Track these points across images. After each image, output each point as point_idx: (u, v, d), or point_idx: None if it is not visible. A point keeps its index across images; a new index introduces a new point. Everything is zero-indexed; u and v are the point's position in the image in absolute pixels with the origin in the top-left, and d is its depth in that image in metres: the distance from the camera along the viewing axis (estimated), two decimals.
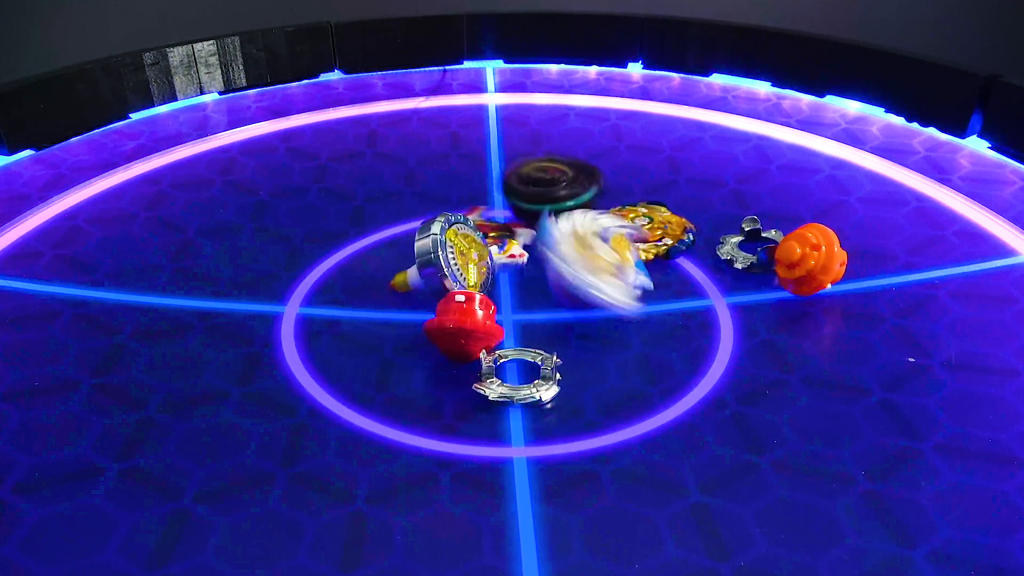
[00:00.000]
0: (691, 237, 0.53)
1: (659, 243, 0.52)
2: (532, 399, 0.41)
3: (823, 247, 0.46)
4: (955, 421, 0.40)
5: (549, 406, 0.42)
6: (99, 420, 0.41)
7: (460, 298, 0.43)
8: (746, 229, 0.53)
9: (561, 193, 0.51)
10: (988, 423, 0.40)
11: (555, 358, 0.43)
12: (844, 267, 0.48)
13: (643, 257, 0.51)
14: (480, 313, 0.43)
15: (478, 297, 0.43)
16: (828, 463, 0.38)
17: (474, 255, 0.47)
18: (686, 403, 0.42)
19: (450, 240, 0.46)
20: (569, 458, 0.39)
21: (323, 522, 0.36)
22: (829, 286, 0.47)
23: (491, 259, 0.48)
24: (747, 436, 0.40)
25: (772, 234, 0.53)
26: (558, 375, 0.43)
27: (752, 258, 0.51)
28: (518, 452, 0.39)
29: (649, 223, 0.53)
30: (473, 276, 0.47)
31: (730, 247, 0.52)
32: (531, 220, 0.51)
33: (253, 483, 0.38)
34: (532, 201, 0.52)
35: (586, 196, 0.51)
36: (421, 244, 0.46)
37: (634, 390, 0.43)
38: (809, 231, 0.47)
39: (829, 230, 0.47)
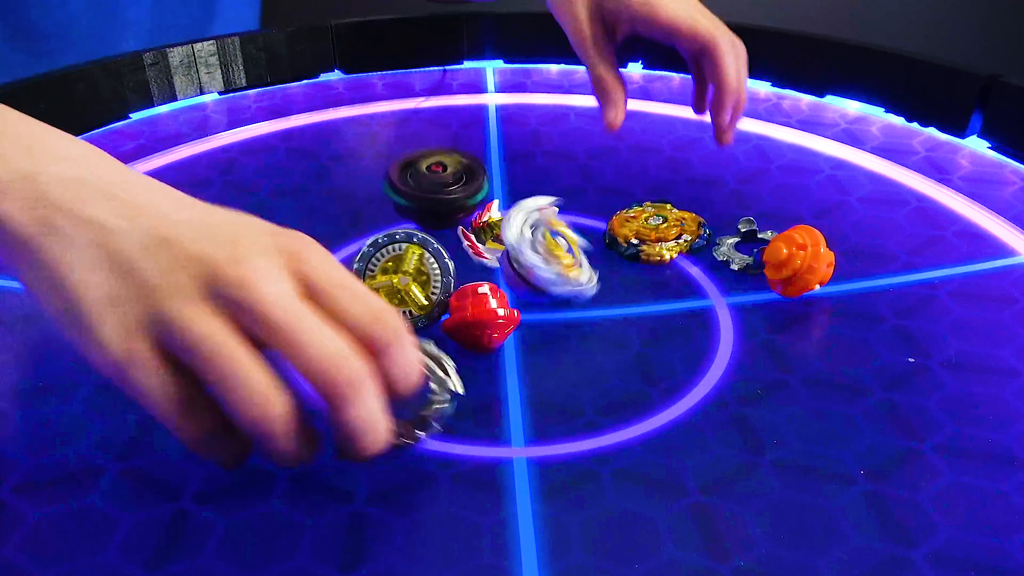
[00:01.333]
0: (707, 231, 0.53)
1: (679, 240, 0.52)
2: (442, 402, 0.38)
3: (809, 247, 0.47)
4: (955, 421, 0.40)
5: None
6: (99, 420, 0.41)
7: (483, 289, 0.44)
8: (742, 230, 0.54)
9: (453, 194, 0.51)
10: (988, 423, 0.40)
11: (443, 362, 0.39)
12: (832, 268, 0.48)
13: (668, 256, 0.51)
14: (494, 302, 0.43)
15: (487, 287, 0.44)
16: (828, 463, 0.38)
17: (410, 284, 0.45)
18: (686, 403, 0.42)
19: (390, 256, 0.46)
20: (569, 458, 0.39)
21: (323, 522, 0.36)
22: (817, 287, 0.47)
23: (439, 290, 0.46)
24: (747, 436, 0.40)
25: (768, 235, 0.53)
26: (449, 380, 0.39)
27: (748, 259, 0.51)
28: (518, 452, 0.39)
29: (663, 222, 0.53)
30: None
31: (727, 248, 0.52)
32: (415, 218, 0.52)
33: (253, 483, 0.38)
34: (417, 201, 0.51)
35: (478, 197, 0.52)
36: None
37: (634, 390, 0.43)
38: (796, 232, 0.47)
39: (816, 231, 0.47)
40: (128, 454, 0.39)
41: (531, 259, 0.45)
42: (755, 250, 0.51)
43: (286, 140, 0.68)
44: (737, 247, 0.53)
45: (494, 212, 0.53)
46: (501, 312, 0.43)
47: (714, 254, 0.52)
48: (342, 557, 0.35)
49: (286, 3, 0.94)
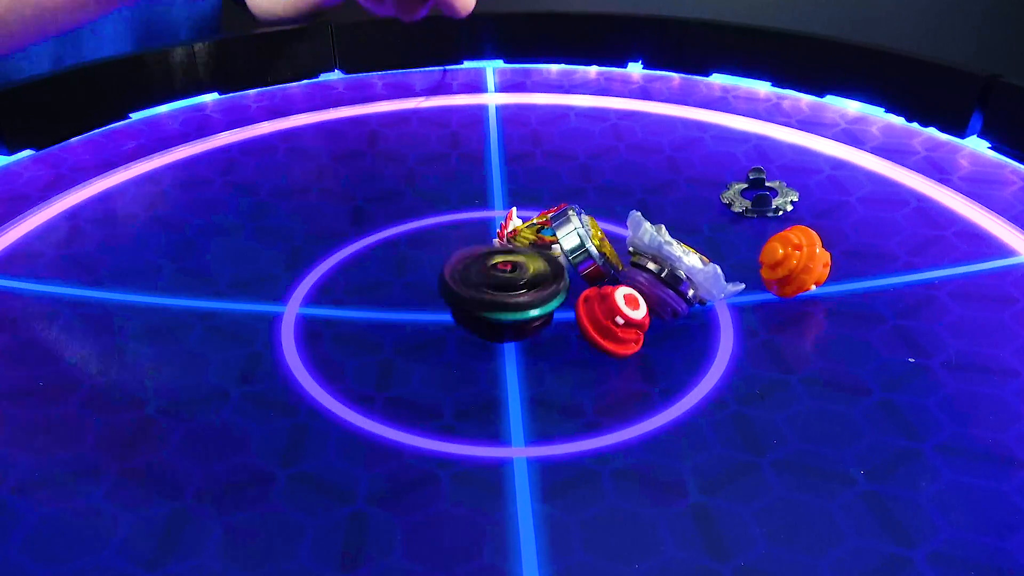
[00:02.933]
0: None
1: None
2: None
3: (804, 247, 0.47)
4: (955, 421, 0.40)
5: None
6: (99, 420, 0.41)
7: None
8: (751, 177, 0.58)
9: (522, 299, 0.43)
10: (988, 423, 0.40)
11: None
12: (828, 268, 0.48)
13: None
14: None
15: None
16: (828, 463, 0.38)
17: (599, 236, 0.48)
18: (686, 403, 0.42)
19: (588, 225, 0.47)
20: (569, 458, 0.39)
21: (323, 522, 0.36)
22: (813, 287, 0.47)
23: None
24: (747, 436, 0.40)
25: (776, 184, 0.58)
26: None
27: (748, 203, 0.56)
28: (518, 452, 0.39)
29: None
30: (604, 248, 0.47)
31: (733, 192, 0.57)
32: (483, 331, 0.45)
33: (253, 483, 0.38)
34: (483, 308, 0.43)
35: (555, 302, 0.44)
36: (568, 241, 0.46)
37: (634, 390, 0.43)
38: (792, 232, 0.48)
39: (812, 231, 0.47)
40: (128, 454, 0.39)
41: (677, 252, 0.44)
42: (754, 195, 0.56)
43: (286, 140, 0.68)
44: (744, 193, 0.58)
45: (516, 220, 0.53)
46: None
47: (721, 197, 0.57)
48: (342, 557, 0.35)
49: None
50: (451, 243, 0.55)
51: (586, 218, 0.48)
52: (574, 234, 0.46)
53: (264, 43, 0.75)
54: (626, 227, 0.46)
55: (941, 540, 0.35)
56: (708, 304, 0.47)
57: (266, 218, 0.58)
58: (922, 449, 0.39)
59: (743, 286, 0.45)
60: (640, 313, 0.43)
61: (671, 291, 0.45)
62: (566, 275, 0.45)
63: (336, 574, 0.34)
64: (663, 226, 0.45)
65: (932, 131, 0.67)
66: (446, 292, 0.44)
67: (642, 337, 0.44)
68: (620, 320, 0.42)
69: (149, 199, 0.60)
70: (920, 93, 0.67)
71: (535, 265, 0.45)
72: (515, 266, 0.44)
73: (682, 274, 0.44)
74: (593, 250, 0.46)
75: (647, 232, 0.45)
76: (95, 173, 0.63)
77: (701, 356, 0.45)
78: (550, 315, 0.44)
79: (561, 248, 0.47)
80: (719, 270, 0.44)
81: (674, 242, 0.45)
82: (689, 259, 0.44)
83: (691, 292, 0.45)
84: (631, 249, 0.46)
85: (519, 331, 0.44)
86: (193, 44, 0.72)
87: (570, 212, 0.47)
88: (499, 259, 0.45)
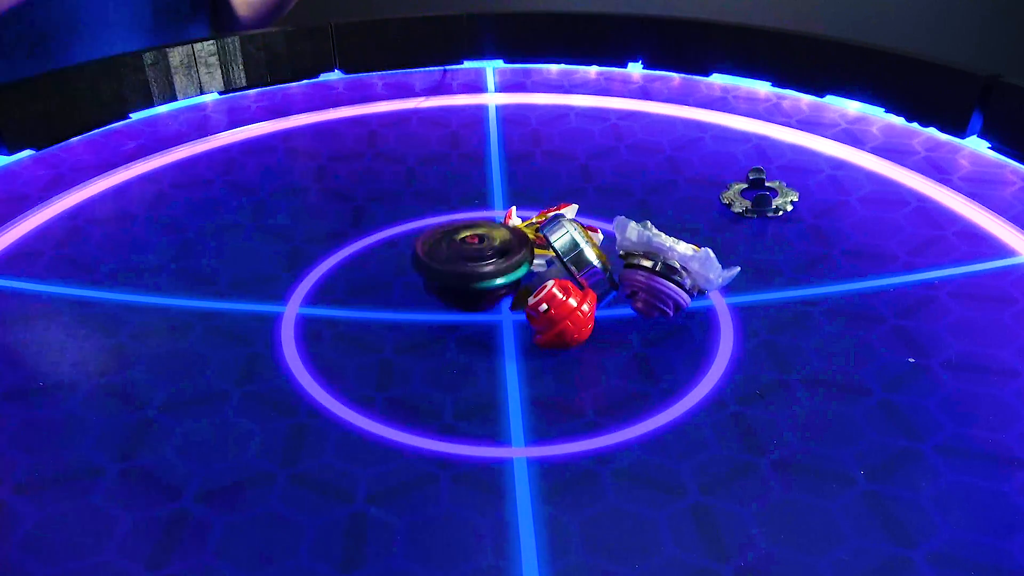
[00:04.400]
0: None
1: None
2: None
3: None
4: (955, 421, 0.40)
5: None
6: (99, 420, 0.41)
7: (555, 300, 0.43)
8: (750, 178, 0.59)
9: (487, 269, 0.45)
10: (988, 423, 0.40)
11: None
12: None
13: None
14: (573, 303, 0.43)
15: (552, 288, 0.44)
16: (828, 463, 0.38)
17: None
18: (686, 403, 0.42)
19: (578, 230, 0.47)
20: (569, 458, 0.39)
21: (323, 522, 0.36)
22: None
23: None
24: (747, 436, 0.40)
25: (776, 184, 0.58)
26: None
27: (748, 203, 0.56)
28: (518, 452, 0.39)
29: None
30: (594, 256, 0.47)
31: (733, 193, 0.58)
32: (455, 301, 0.47)
33: (253, 483, 0.38)
34: (452, 279, 0.46)
35: (519, 272, 0.46)
36: (561, 242, 0.46)
37: (634, 390, 0.43)
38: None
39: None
40: (128, 454, 0.39)
41: (667, 242, 0.45)
42: (754, 195, 0.56)
43: (286, 140, 0.68)
44: (743, 193, 0.58)
45: (515, 219, 0.53)
46: (585, 308, 0.43)
47: (721, 198, 0.58)
48: (342, 557, 0.35)
49: None
50: None
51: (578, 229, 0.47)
52: (568, 236, 0.46)
53: (265, 42, 0.75)
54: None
55: (941, 540, 0.35)
56: (707, 293, 0.47)
57: (266, 218, 0.58)
58: (922, 449, 0.39)
59: (738, 269, 0.46)
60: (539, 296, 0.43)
61: (670, 283, 0.45)
62: (530, 243, 0.47)
63: (336, 574, 0.34)
64: (648, 221, 0.46)
65: (932, 131, 0.67)
66: (420, 266, 0.46)
67: (588, 310, 0.44)
68: (539, 310, 0.43)
69: (149, 199, 0.60)
70: (920, 93, 0.67)
71: (500, 237, 0.47)
72: (482, 238, 0.47)
73: (676, 263, 0.44)
74: (591, 253, 0.45)
75: (633, 229, 0.45)
76: (95, 173, 0.63)
77: (701, 356, 0.45)
78: (517, 282, 0.47)
79: (556, 254, 0.46)
80: (711, 252, 0.44)
81: (661, 234, 0.45)
82: (679, 247, 0.44)
83: (689, 282, 0.45)
84: (622, 252, 0.46)
85: (491, 297, 0.47)
86: (193, 43, 0.72)
87: (563, 221, 0.47)
88: (466, 233, 0.48)
